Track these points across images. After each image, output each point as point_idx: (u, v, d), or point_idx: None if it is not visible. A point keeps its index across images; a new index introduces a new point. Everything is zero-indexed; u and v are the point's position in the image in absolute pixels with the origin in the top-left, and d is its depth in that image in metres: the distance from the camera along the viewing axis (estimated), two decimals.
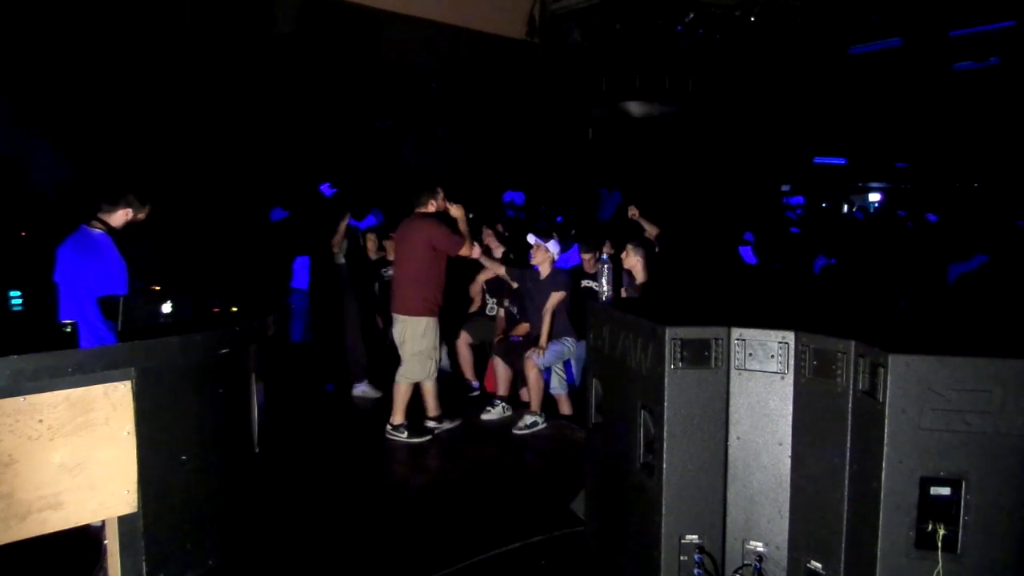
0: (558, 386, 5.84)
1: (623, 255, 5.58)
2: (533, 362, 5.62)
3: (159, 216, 4.46)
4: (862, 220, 13.30)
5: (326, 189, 7.59)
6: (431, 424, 5.44)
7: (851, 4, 11.32)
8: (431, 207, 5.28)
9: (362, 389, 6.48)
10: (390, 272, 7.32)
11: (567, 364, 5.98)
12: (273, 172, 8.95)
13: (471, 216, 5.72)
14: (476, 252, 5.54)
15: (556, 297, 5.75)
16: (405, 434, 5.31)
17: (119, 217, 4.00)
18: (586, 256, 6.21)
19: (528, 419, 5.61)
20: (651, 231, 6.66)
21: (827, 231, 10.04)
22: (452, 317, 6.41)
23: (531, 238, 5.94)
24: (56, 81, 7.34)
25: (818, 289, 6.84)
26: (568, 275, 6.02)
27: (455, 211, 5.28)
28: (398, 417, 5.34)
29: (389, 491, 4.53)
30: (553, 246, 5.87)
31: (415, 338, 5.21)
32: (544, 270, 5.88)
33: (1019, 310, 5.26)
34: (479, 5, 10.47)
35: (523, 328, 6.14)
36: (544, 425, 5.63)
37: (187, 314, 3.29)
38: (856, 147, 15.94)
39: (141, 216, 4.12)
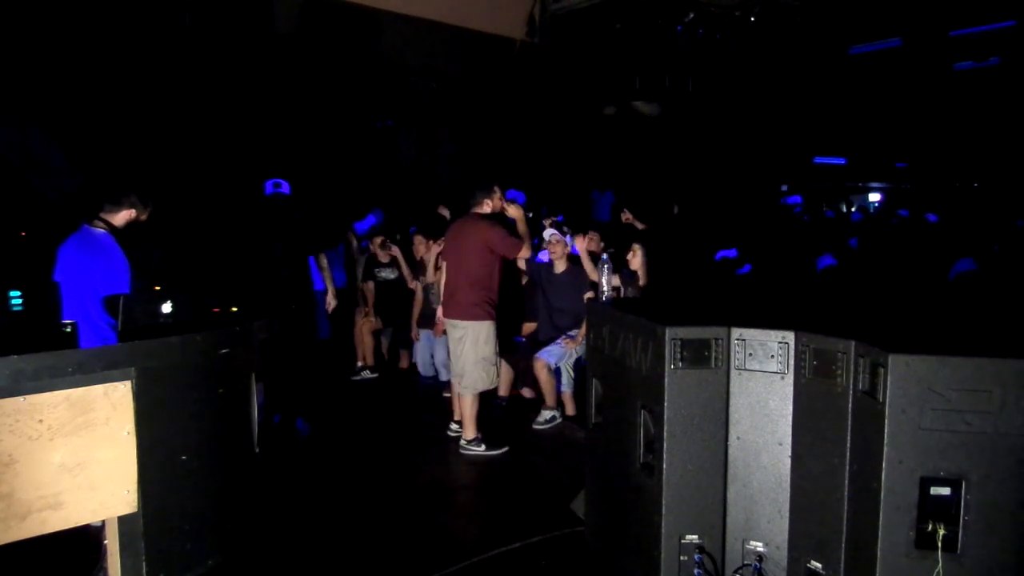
0: (566, 384, 5.83)
1: (629, 255, 5.57)
2: (543, 361, 5.61)
3: (160, 216, 4.46)
4: (860, 220, 13.32)
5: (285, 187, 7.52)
6: (464, 443, 5.13)
7: (851, 4, 11.32)
8: (486, 206, 5.02)
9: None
10: (382, 273, 7.34)
11: (579, 362, 5.96)
12: (273, 172, 8.95)
13: (531, 215, 5.54)
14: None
15: (590, 296, 5.72)
16: (482, 447, 5.07)
17: (122, 217, 4.00)
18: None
19: (546, 414, 5.65)
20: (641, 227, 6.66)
21: (831, 231, 10.05)
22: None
23: (548, 232, 5.89)
24: (56, 81, 7.34)
25: (818, 289, 6.83)
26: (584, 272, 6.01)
27: (513, 211, 5.01)
28: (470, 432, 5.09)
29: (389, 491, 4.52)
30: (569, 240, 5.89)
31: (478, 344, 4.94)
32: (560, 266, 5.88)
33: (1019, 310, 5.26)
34: (479, 5, 10.47)
35: (527, 327, 6.13)
36: (561, 420, 5.67)
37: (187, 314, 3.29)
38: (856, 147, 15.95)
39: (143, 217, 4.12)
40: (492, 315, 4.98)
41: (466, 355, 4.96)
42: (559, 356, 5.69)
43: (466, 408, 5.07)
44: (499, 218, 5.04)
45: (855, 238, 9.06)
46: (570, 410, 5.85)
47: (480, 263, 4.90)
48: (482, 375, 4.99)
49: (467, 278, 4.93)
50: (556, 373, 5.79)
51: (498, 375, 5.13)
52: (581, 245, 5.50)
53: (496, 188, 5.07)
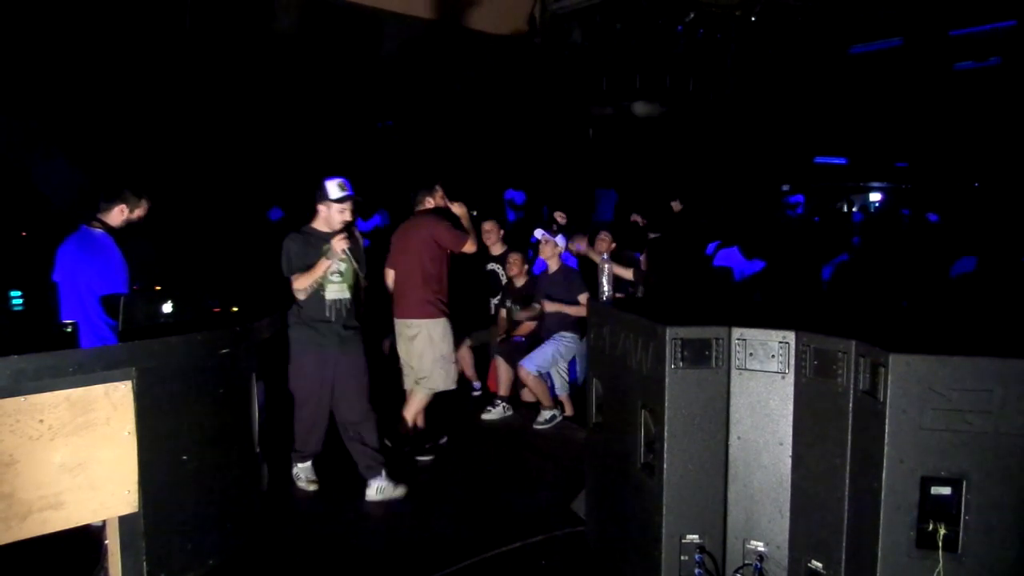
0: (559, 387, 5.84)
1: (643, 256, 5.59)
2: (525, 369, 5.63)
3: (160, 216, 4.45)
4: (860, 220, 13.33)
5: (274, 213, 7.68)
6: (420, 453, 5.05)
7: (851, 4, 11.32)
8: (429, 204, 4.99)
9: None
10: None
11: (571, 362, 5.96)
12: (273, 172, 8.96)
13: (474, 214, 5.55)
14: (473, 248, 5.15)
15: (585, 297, 5.72)
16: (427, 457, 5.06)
17: (115, 215, 3.98)
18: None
19: (546, 414, 5.66)
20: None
21: (835, 230, 10.06)
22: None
23: (539, 233, 5.91)
24: (57, 82, 7.35)
25: (820, 289, 6.83)
26: (579, 272, 6.02)
27: (457, 208, 4.98)
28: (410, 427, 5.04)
29: None
30: (560, 240, 5.90)
31: (434, 342, 4.84)
32: (553, 265, 5.89)
33: (1019, 310, 5.26)
34: (479, 5, 10.47)
35: (526, 328, 6.13)
36: (561, 419, 5.68)
37: (187, 314, 3.29)
38: (856, 147, 15.94)
39: (139, 212, 4.07)
40: (445, 312, 4.91)
41: (424, 355, 4.87)
42: (540, 362, 5.67)
43: (416, 405, 5.00)
44: (443, 213, 4.99)
45: (856, 238, 9.06)
46: (568, 410, 5.85)
47: (431, 258, 4.84)
48: (441, 374, 4.89)
49: (419, 275, 4.84)
50: (548, 376, 5.81)
51: (456, 374, 5.08)
52: (602, 248, 5.50)
53: (438, 187, 5.03)
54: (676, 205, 6.58)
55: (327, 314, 4.23)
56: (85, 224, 3.94)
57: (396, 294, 5.06)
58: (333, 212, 4.24)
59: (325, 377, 4.32)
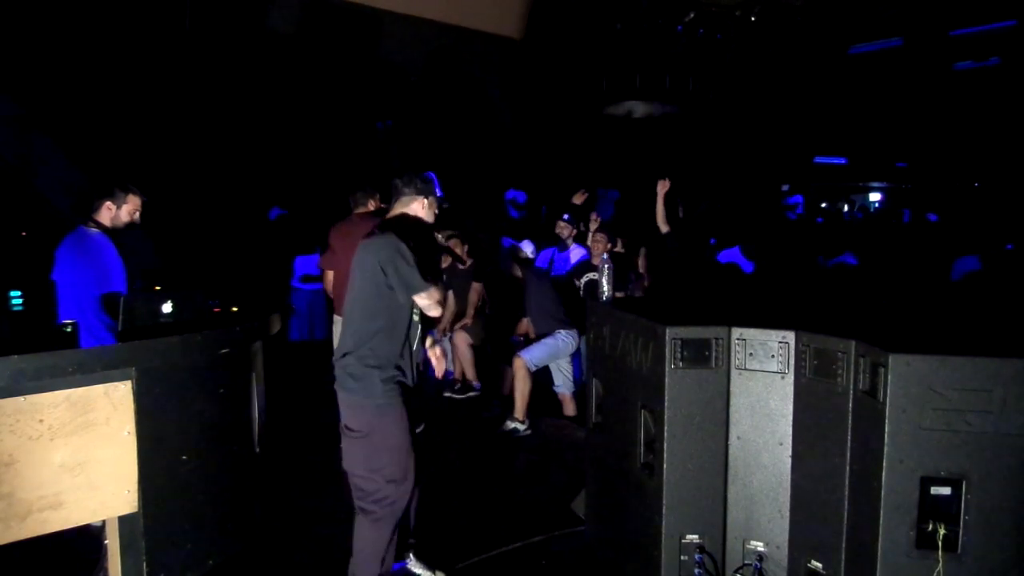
0: (562, 385, 5.76)
1: (639, 258, 5.54)
2: (523, 360, 5.45)
3: (159, 215, 4.44)
4: (861, 220, 13.34)
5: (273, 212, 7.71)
6: None
7: (851, 4, 11.33)
8: (371, 207, 4.96)
9: None
10: None
11: (574, 360, 5.88)
12: (272, 172, 8.97)
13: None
14: None
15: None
16: None
17: (104, 212, 3.93)
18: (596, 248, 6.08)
19: (509, 425, 5.47)
20: (660, 216, 6.53)
21: (833, 230, 10.07)
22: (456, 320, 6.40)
23: (505, 243, 5.80)
24: (58, 83, 7.35)
25: (820, 288, 6.83)
26: (542, 270, 5.97)
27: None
28: None
29: None
30: (526, 246, 5.77)
31: None
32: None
33: (1019, 310, 5.26)
34: (479, 5, 10.48)
35: (522, 327, 6.12)
36: (528, 433, 5.44)
37: (187, 314, 3.29)
38: (856, 147, 15.95)
39: (128, 207, 4.00)
40: None
41: None
42: (536, 355, 5.49)
43: None
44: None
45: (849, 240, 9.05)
46: (570, 410, 5.79)
47: None
48: None
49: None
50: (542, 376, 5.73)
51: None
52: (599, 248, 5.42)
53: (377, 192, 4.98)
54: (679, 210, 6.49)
55: (413, 346, 3.14)
56: (82, 224, 3.93)
57: (336, 295, 4.96)
58: (429, 215, 3.27)
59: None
